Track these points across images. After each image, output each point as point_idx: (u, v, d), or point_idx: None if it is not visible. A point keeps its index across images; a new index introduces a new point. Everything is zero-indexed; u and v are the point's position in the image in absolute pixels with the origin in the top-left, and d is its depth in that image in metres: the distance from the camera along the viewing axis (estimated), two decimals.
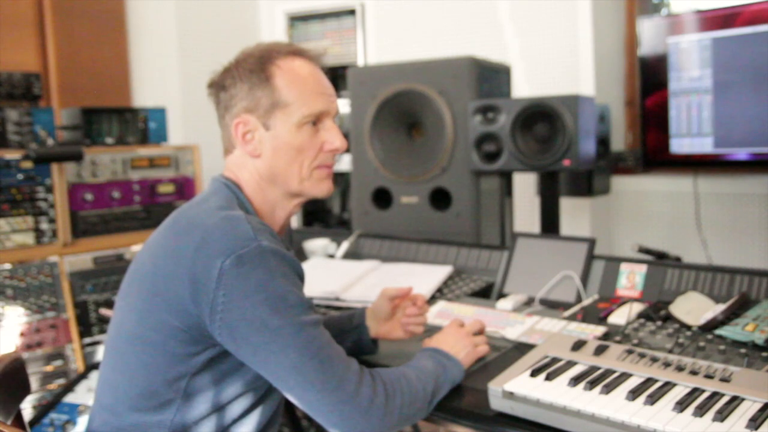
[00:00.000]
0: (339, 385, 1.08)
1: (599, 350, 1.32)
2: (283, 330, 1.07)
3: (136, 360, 1.17)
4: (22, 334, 2.38)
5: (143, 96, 3.58)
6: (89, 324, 2.55)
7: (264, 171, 1.24)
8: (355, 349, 1.49)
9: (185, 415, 1.15)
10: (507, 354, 1.46)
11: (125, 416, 1.17)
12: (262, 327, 1.07)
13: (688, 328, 1.51)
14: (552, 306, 1.78)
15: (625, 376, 1.22)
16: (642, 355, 1.28)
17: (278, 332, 1.07)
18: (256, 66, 1.22)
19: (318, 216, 3.62)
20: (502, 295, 1.89)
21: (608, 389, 1.17)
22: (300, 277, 1.17)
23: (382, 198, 2.60)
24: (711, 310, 1.53)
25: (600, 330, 1.53)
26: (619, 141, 3.12)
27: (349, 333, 1.49)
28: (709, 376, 1.17)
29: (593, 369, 1.26)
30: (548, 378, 1.23)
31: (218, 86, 1.26)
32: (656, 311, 1.59)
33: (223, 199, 1.21)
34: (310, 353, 1.07)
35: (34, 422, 2.30)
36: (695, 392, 1.14)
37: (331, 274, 2.04)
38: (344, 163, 3.26)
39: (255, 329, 1.07)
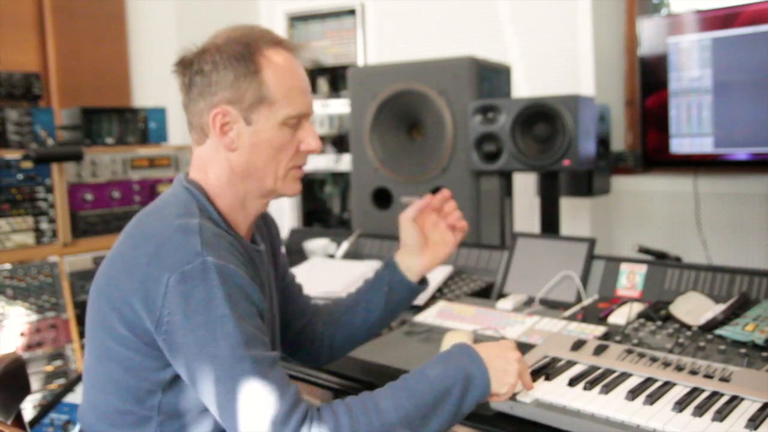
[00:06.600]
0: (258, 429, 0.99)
1: (599, 350, 1.32)
2: (216, 360, 1.01)
3: (106, 377, 1.14)
4: (22, 334, 2.38)
5: (143, 96, 3.57)
6: None
7: (238, 166, 1.18)
8: (397, 298, 1.41)
9: None
10: None
11: None
12: (197, 351, 1.02)
13: (688, 328, 1.51)
14: (552, 306, 1.79)
15: (624, 376, 1.22)
16: (642, 355, 1.28)
17: (212, 360, 1.01)
18: (242, 54, 1.15)
19: (318, 216, 3.61)
20: (502, 295, 1.89)
21: (608, 389, 1.17)
22: (247, 294, 1.08)
23: (382, 198, 2.60)
24: (711, 310, 1.53)
25: (600, 330, 1.53)
26: (619, 141, 3.12)
27: (379, 286, 1.42)
28: (708, 376, 1.18)
29: (593, 369, 1.26)
30: (548, 378, 1.24)
31: (193, 68, 1.18)
32: (656, 311, 1.59)
33: (181, 205, 1.15)
34: (237, 391, 1.00)
35: (34, 422, 2.30)
36: (695, 392, 1.14)
37: (331, 274, 2.04)
38: (344, 163, 3.25)
39: (191, 352, 1.03)
